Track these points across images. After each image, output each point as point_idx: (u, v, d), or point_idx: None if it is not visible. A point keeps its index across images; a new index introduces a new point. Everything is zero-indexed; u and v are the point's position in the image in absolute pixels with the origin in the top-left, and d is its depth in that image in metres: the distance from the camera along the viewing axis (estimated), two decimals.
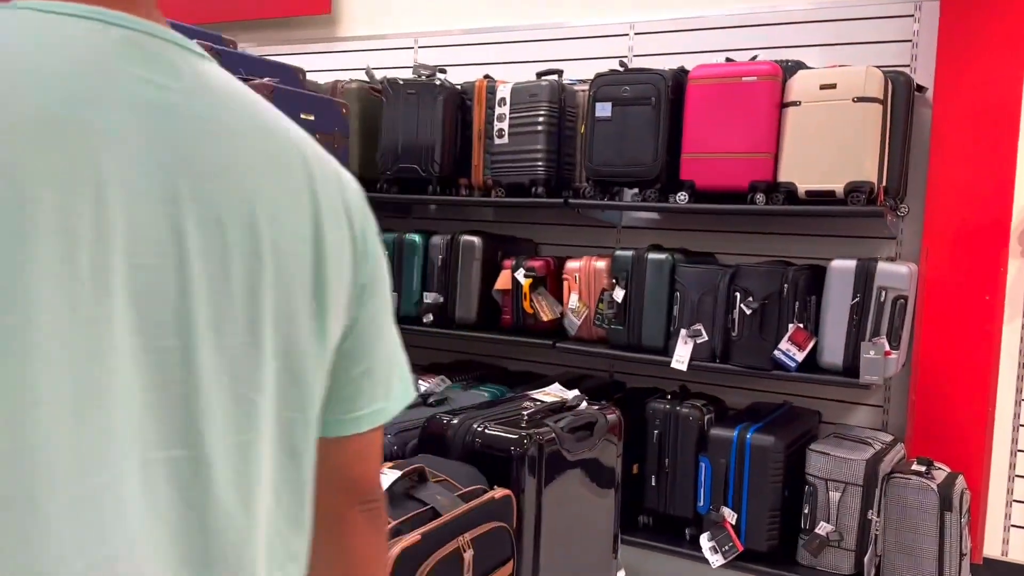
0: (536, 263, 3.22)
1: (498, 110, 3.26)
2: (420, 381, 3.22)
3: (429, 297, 3.35)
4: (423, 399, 1.99)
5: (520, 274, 3.21)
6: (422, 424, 1.90)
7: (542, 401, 1.94)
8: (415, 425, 1.86)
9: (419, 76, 3.45)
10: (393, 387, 0.78)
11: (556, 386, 2.16)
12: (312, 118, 2.09)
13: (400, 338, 0.82)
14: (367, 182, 3.54)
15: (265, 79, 2.01)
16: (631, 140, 2.94)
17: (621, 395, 3.18)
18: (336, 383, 0.73)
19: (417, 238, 3.40)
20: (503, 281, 3.28)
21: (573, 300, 3.14)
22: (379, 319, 0.76)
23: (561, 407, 2.01)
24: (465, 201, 3.45)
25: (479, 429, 1.84)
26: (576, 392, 2.05)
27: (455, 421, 1.86)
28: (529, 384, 3.28)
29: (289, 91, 2.05)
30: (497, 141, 3.24)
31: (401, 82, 3.41)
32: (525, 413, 1.92)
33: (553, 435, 1.83)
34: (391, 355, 0.79)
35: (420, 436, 1.84)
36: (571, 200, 3.13)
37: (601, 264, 3.11)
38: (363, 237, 0.73)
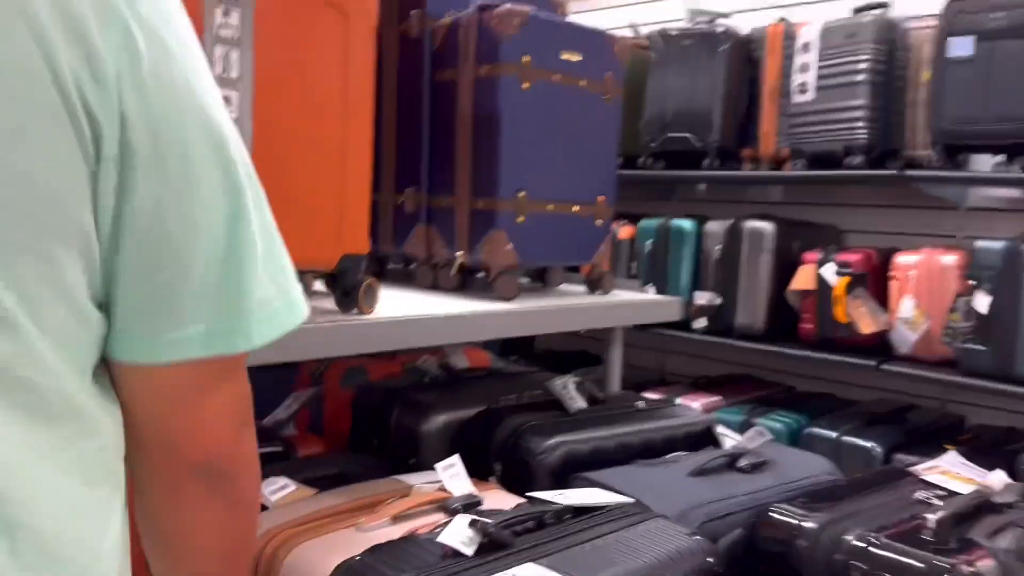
0: (852, 257, 2.46)
1: (799, 59, 2.51)
2: (687, 401, 2.65)
3: (702, 298, 2.69)
4: (730, 460, 1.34)
5: (830, 271, 2.46)
6: (749, 518, 1.19)
7: (942, 489, 1.23)
8: (731, 511, 1.23)
9: (695, 24, 2.82)
10: (238, 310, 0.61)
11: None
12: (578, 58, 1.54)
13: (280, 244, 0.66)
14: (626, 158, 2.77)
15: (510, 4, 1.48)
16: (1003, 88, 2.11)
17: (970, 436, 2.37)
18: (123, 285, 0.58)
19: (687, 225, 2.75)
20: (804, 280, 2.54)
21: (907, 307, 2.35)
22: (189, 204, 0.58)
23: (981, 504, 1.20)
24: (747, 177, 2.73)
25: (867, 550, 1.05)
26: (1003, 476, 1.27)
27: (810, 525, 1.12)
28: (834, 413, 2.56)
29: (546, 21, 1.51)
30: (798, 99, 2.50)
31: (674, 33, 2.79)
32: (930, 519, 1.09)
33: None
34: (235, 264, 0.61)
35: (748, 536, 1.18)
36: (908, 172, 2.35)
37: (949, 259, 2.28)
38: (132, 59, 0.55)
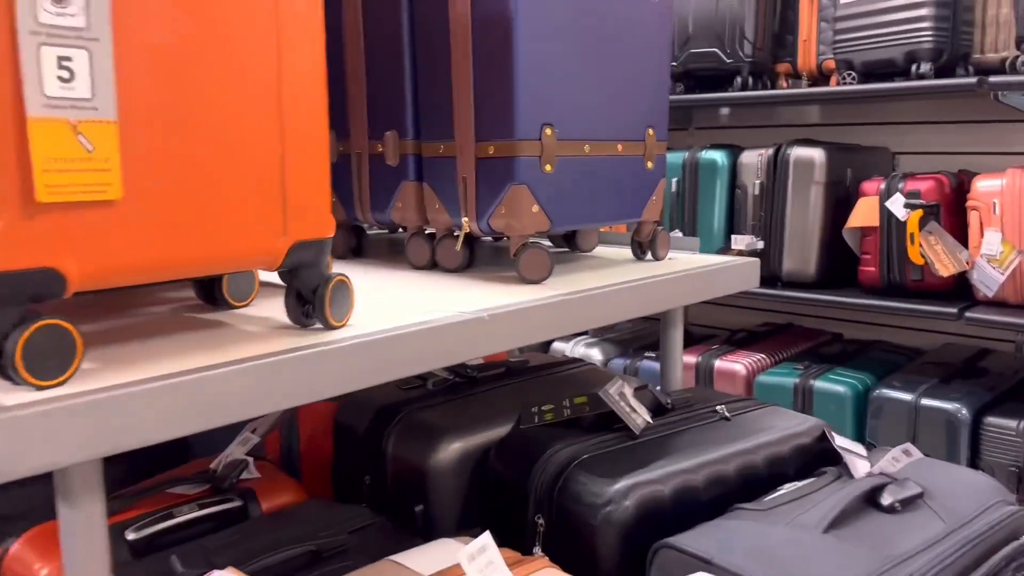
0: (923, 184, 2.05)
1: None
2: (727, 363, 2.26)
3: (741, 242, 2.28)
4: (870, 494, 0.89)
5: (897, 203, 2.07)
6: None
7: None
8: None
9: None
10: None
11: None
12: None
13: None
14: None
15: None
16: None
17: None
18: None
19: (719, 157, 2.31)
20: (864, 215, 2.13)
21: (991, 242, 1.97)
22: None
23: None
24: (786, 97, 2.30)
25: None
26: None
27: None
28: (902, 369, 2.18)
29: None
30: None
31: None
32: None
33: None
34: None
35: None
36: (993, 78, 1.93)
37: None
38: None
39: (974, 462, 1.94)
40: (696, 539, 0.84)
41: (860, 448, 1.04)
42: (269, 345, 0.72)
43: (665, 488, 0.92)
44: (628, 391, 1.08)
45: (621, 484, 0.91)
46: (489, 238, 1.49)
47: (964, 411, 1.90)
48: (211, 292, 0.91)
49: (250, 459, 1.12)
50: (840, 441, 1.04)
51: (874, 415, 2.04)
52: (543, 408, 1.12)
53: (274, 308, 0.90)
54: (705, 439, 1.02)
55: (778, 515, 0.89)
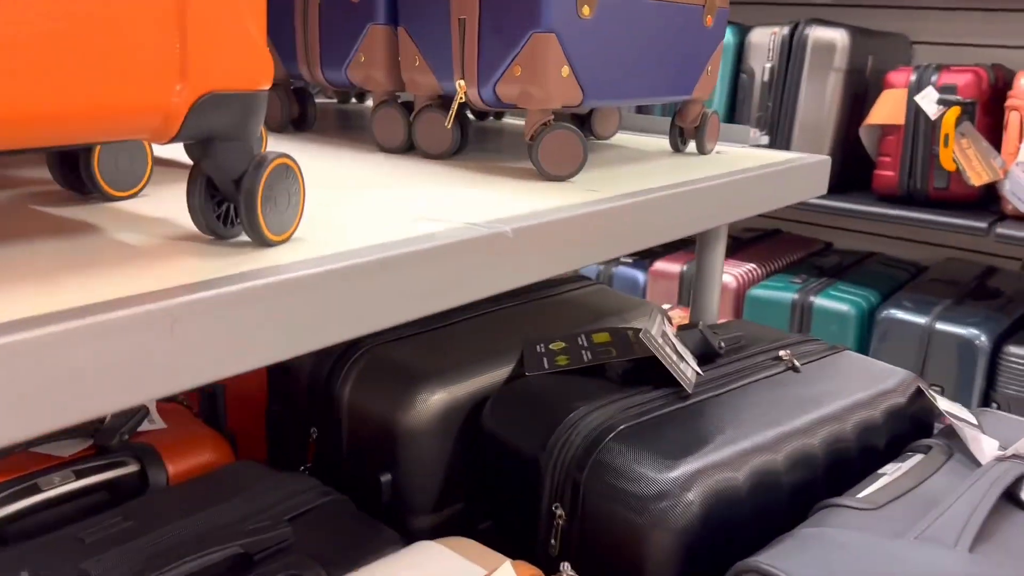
0: (960, 77, 1.80)
1: None
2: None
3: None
4: (1011, 487, 0.64)
5: (929, 99, 1.80)
6: None
7: None
8: None
9: None
10: None
11: None
12: None
13: None
14: None
15: None
16: None
17: None
18: None
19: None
20: (888, 110, 1.86)
21: None
22: None
23: None
24: None
25: None
26: None
27: None
28: (907, 286, 1.97)
29: None
30: None
31: None
32: None
33: None
34: None
35: None
36: None
37: None
38: None
39: (988, 393, 1.76)
40: (798, 561, 0.59)
41: (966, 412, 0.80)
42: (162, 274, 0.42)
43: (739, 475, 0.66)
44: (670, 329, 0.81)
45: (681, 469, 0.65)
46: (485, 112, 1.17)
47: (983, 338, 1.70)
48: (75, 172, 0.59)
49: (150, 402, 0.83)
50: (944, 403, 0.80)
51: (881, 338, 1.83)
52: (551, 347, 0.84)
53: (174, 203, 0.59)
54: (778, 401, 0.76)
55: (896, 521, 0.65)
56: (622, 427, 0.69)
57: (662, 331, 0.78)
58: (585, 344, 0.83)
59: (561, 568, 0.60)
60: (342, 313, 0.45)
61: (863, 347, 1.84)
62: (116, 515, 0.69)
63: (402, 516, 0.79)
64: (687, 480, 0.64)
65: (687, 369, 0.76)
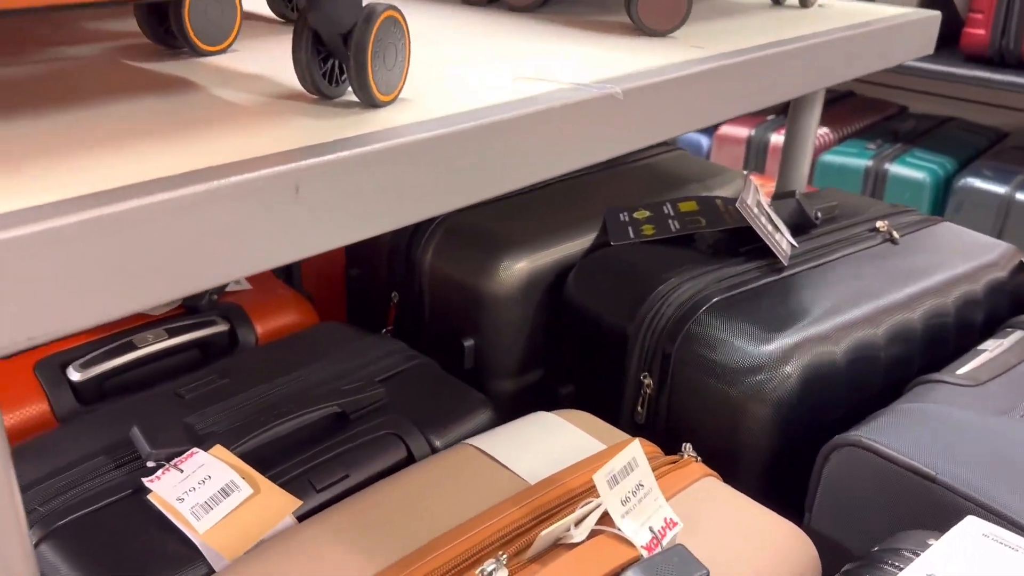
0: None
1: None
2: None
3: None
4: None
5: None
6: None
7: None
8: None
9: None
10: None
11: None
12: None
13: None
14: None
15: None
16: None
17: None
18: None
19: None
20: None
21: None
22: None
23: None
24: None
25: None
26: None
27: None
28: (986, 153, 1.89)
29: None
30: None
31: None
32: None
33: None
34: None
35: None
36: None
37: None
38: None
39: None
40: (900, 436, 0.59)
41: None
42: (280, 135, 0.41)
43: (837, 349, 0.65)
44: (764, 199, 0.78)
45: (778, 342, 0.64)
46: None
47: None
48: (165, 25, 0.57)
49: None
50: None
51: (956, 207, 1.77)
52: (635, 216, 0.82)
53: (268, 60, 0.56)
54: (877, 273, 0.74)
55: (999, 398, 0.63)
56: (716, 299, 0.68)
57: (757, 200, 0.75)
58: (671, 213, 0.81)
59: (683, 448, 0.60)
60: (457, 178, 0.43)
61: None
62: (211, 372, 0.71)
63: (483, 380, 0.80)
64: (785, 353, 0.63)
65: (782, 240, 0.74)
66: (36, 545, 0.54)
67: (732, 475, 0.64)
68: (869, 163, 1.82)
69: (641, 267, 0.74)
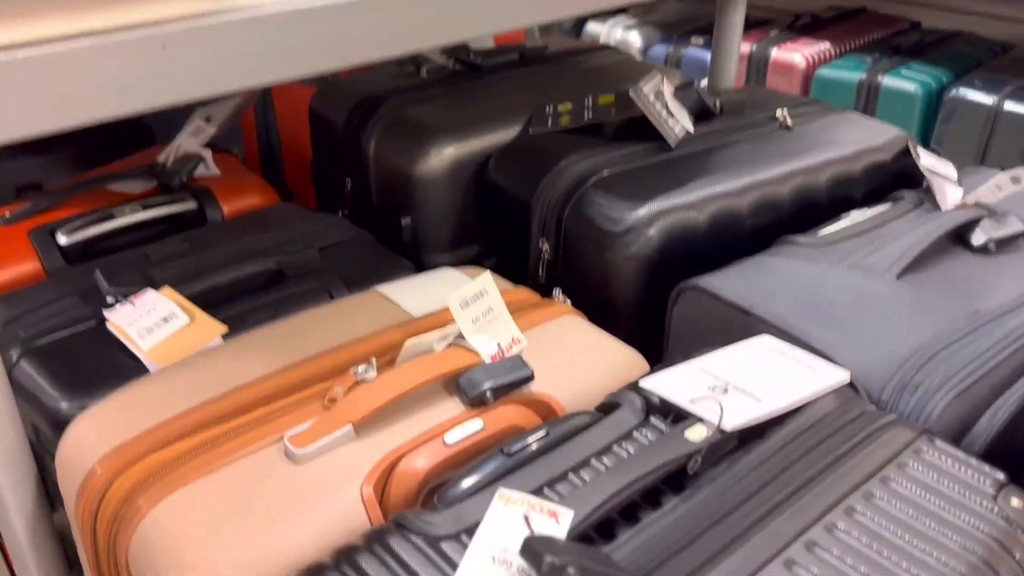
0: None
1: None
2: (785, 51, 1.92)
3: None
4: (958, 232, 0.70)
5: None
6: None
7: None
8: (995, 362, 0.62)
9: None
10: None
11: None
12: None
13: None
14: None
15: None
16: None
17: None
18: None
19: None
20: None
21: None
22: None
23: None
24: None
25: None
26: None
27: None
28: (982, 66, 1.90)
29: None
30: None
31: None
32: None
33: None
34: None
35: None
36: None
37: None
38: None
39: None
40: (732, 281, 0.69)
41: (951, 169, 0.85)
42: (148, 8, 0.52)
43: (700, 215, 0.75)
44: (667, 90, 0.87)
45: (646, 208, 0.74)
46: None
47: None
48: None
49: (206, 152, 0.96)
50: (927, 159, 0.85)
51: (945, 119, 1.80)
52: (559, 109, 0.92)
53: None
54: (757, 154, 0.82)
55: (839, 252, 0.73)
56: (604, 173, 0.78)
57: (656, 90, 0.84)
58: (589, 105, 0.91)
59: (554, 293, 0.71)
60: (315, 45, 0.54)
61: (927, 130, 1.83)
62: (176, 240, 0.84)
63: (421, 254, 0.92)
64: (650, 217, 0.73)
65: (676, 125, 0.83)
66: (16, 361, 0.68)
67: (609, 324, 0.75)
68: (863, 76, 1.86)
69: (548, 150, 0.84)
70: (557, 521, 0.42)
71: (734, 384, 0.53)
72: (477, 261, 0.93)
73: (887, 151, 0.86)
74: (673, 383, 0.53)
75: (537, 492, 0.46)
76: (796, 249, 0.73)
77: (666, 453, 0.47)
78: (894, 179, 0.87)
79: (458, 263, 0.93)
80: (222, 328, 0.68)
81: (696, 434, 0.49)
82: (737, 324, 0.66)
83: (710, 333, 0.68)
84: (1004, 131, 1.70)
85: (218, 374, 0.61)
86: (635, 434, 0.51)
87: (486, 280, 0.62)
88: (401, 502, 0.52)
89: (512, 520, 0.42)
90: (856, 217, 0.78)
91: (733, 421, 0.49)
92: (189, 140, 0.93)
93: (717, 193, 0.76)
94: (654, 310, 0.74)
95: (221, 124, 0.95)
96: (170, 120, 0.97)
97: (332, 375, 0.60)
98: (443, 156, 0.88)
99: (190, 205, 0.90)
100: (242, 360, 0.62)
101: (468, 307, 0.61)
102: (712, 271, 0.72)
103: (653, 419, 0.52)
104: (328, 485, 0.52)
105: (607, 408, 0.54)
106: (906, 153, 0.88)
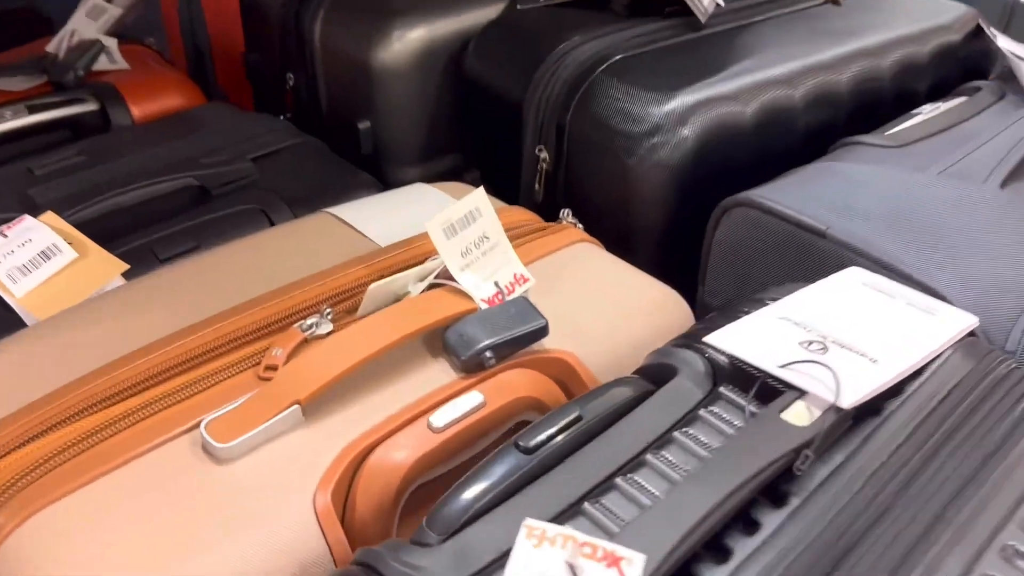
0: None
1: None
2: None
3: None
4: None
5: None
6: None
7: None
8: None
9: None
10: None
11: None
12: None
13: None
14: None
15: None
16: None
17: None
18: None
19: None
20: None
21: None
22: None
23: None
24: None
25: None
26: None
27: None
28: None
29: None
30: None
31: None
32: None
33: None
34: None
35: None
36: None
37: None
38: None
39: None
40: (795, 194, 0.53)
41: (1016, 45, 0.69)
42: None
43: (746, 109, 0.59)
44: None
45: (677, 101, 0.57)
46: None
47: None
48: None
49: (110, 40, 0.77)
50: (1005, 42, 0.69)
51: None
52: None
53: None
54: (807, 33, 0.66)
55: (920, 156, 0.57)
56: (616, 57, 0.61)
57: None
58: None
59: (561, 214, 0.55)
60: None
61: None
62: (71, 150, 0.65)
63: (385, 167, 0.75)
64: (683, 113, 0.57)
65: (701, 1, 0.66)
66: None
67: (628, 250, 0.59)
68: None
69: (543, 29, 0.66)
70: (621, 573, 0.27)
71: (834, 338, 0.38)
72: (455, 176, 0.76)
73: (956, 31, 0.70)
74: (748, 338, 0.38)
75: (575, 514, 0.32)
76: (868, 152, 0.58)
77: (765, 447, 0.32)
78: (962, 67, 0.72)
79: (431, 178, 0.77)
80: (121, 266, 0.51)
81: (798, 416, 0.34)
82: (805, 251, 0.50)
83: (765, 264, 0.53)
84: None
85: (113, 331, 0.44)
86: (704, 415, 0.36)
87: (478, 198, 0.46)
88: (371, 516, 0.37)
89: (550, 570, 0.28)
90: (931, 112, 0.63)
91: (852, 395, 0.34)
92: (86, 23, 0.74)
93: (764, 80, 0.59)
94: (687, 234, 0.59)
95: (126, 3, 0.76)
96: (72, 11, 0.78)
97: (270, 331, 0.44)
98: (408, 41, 0.70)
99: (89, 106, 0.71)
100: (146, 311, 0.46)
101: (455, 234, 0.45)
102: (762, 183, 0.56)
103: (725, 391, 0.37)
104: (265, 494, 0.36)
105: (655, 373, 0.39)
106: (977, 33, 0.72)
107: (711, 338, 0.38)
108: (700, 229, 0.57)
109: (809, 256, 0.50)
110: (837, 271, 0.48)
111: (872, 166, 0.56)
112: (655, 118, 0.57)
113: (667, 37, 0.64)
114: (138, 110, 0.74)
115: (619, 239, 0.58)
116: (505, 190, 0.68)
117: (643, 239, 0.60)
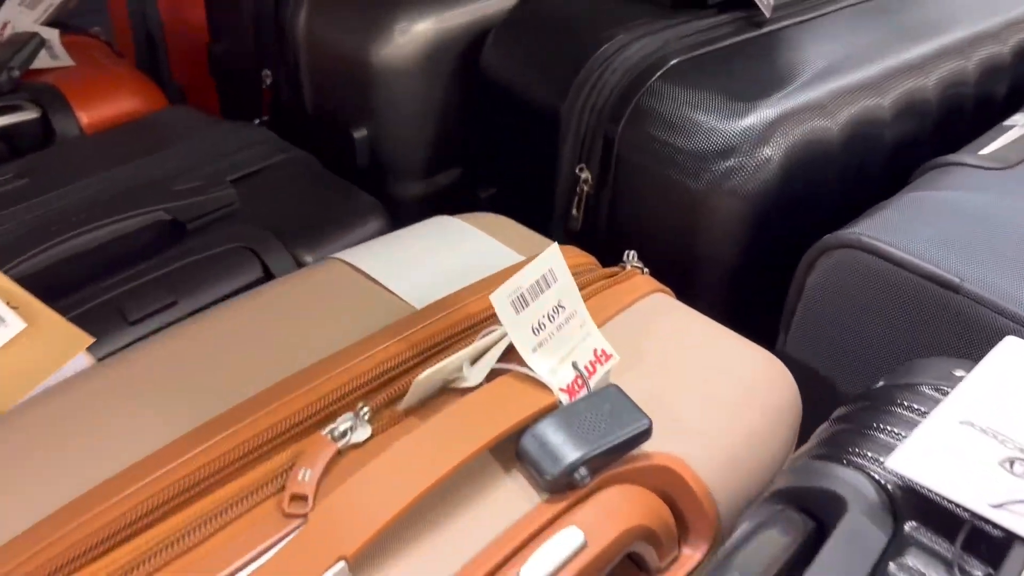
0: None
1: None
2: None
3: None
4: None
5: None
6: None
7: None
8: None
9: None
10: None
11: None
12: None
13: None
14: None
15: None
16: None
17: None
18: None
19: None
20: None
21: None
22: None
23: None
24: None
25: None
26: None
27: None
28: None
29: None
30: None
31: None
32: None
33: None
34: None
35: None
36: None
37: None
38: None
39: None
40: (912, 235, 0.45)
41: None
42: None
43: (834, 122, 0.50)
44: None
45: (757, 114, 0.49)
46: None
47: None
48: None
49: (50, 32, 0.65)
50: None
51: None
52: None
53: None
54: (882, 27, 0.58)
55: None
56: (675, 61, 0.52)
57: None
58: None
59: (626, 257, 0.45)
60: None
61: None
62: (7, 171, 0.54)
63: (382, 182, 0.65)
64: (765, 129, 0.48)
65: None
66: None
67: (689, 293, 0.50)
68: None
69: (580, 23, 0.56)
70: None
71: None
72: (465, 192, 0.66)
73: None
74: (938, 460, 0.30)
75: None
76: (971, 177, 0.49)
77: None
78: None
79: (436, 195, 0.67)
80: (85, 339, 0.40)
81: None
82: (928, 302, 0.42)
83: (876, 319, 0.44)
84: None
85: (86, 446, 0.34)
86: (897, 573, 0.27)
87: (552, 258, 0.36)
88: None
89: None
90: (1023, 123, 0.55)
91: None
92: (20, 13, 0.62)
93: (852, 86, 0.50)
94: (764, 275, 0.50)
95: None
96: None
97: (290, 436, 0.34)
98: (414, 34, 0.59)
99: (27, 114, 0.59)
100: (126, 412, 0.35)
101: (526, 307, 0.35)
102: (847, 211, 0.48)
103: (915, 534, 0.29)
104: None
105: (813, 501, 0.30)
106: None
107: (896, 463, 0.29)
108: (776, 266, 0.49)
109: (931, 314, 0.42)
110: (966, 331, 0.40)
111: (981, 195, 0.48)
112: (730, 136, 0.47)
113: (727, 35, 0.54)
114: (86, 116, 0.62)
115: (675, 278, 0.49)
116: (530, 215, 0.58)
117: (707, 279, 0.51)
